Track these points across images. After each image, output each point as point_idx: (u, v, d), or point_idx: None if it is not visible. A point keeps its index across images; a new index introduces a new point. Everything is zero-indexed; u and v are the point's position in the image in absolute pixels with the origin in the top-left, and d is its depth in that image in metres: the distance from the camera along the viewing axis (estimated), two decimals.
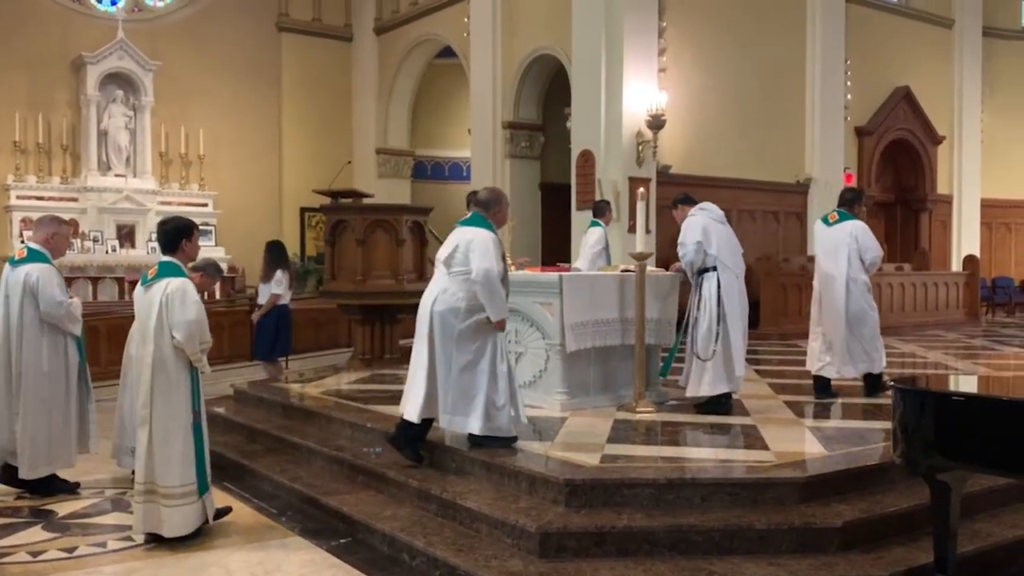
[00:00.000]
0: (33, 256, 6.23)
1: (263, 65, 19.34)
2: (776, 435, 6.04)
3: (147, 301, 5.27)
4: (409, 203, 17.27)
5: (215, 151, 18.48)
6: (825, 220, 7.68)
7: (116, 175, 17.41)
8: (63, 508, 5.96)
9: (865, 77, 17.03)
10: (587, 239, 9.82)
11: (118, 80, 17.51)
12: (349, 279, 9.86)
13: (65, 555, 5.03)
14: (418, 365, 5.74)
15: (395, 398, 7.72)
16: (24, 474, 6.14)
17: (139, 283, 5.55)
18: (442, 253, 5.81)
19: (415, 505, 5.49)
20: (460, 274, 5.67)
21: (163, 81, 17.77)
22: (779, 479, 5.01)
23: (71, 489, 6.33)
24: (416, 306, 10.48)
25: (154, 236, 16.68)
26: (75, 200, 17.07)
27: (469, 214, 5.97)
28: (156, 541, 5.19)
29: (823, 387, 7.54)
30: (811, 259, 14.43)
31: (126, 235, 17.27)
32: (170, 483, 5.11)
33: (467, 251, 5.63)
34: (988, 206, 19.42)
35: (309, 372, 10.26)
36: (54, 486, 6.27)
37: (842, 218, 7.51)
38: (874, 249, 7.37)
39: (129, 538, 5.31)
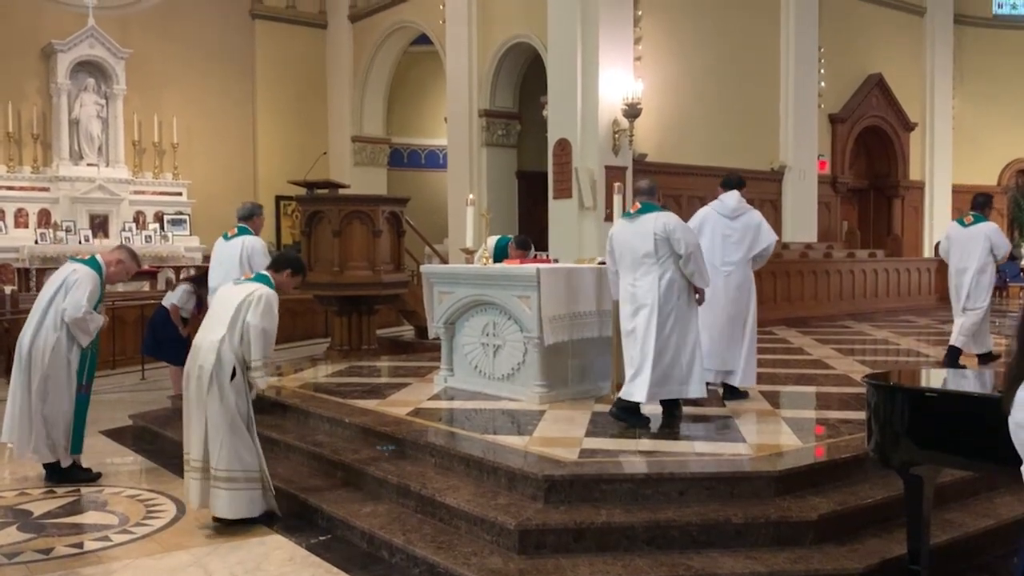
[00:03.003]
0: (90, 262, 6.54)
1: (237, 53, 19.15)
2: (752, 427, 6.10)
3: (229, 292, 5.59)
4: (386, 193, 17.24)
5: (188, 140, 18.31)
6: (961, 222, 9.05)
7: (88, 164, 17.22)
8: (38, 508, 5.92)
9: (838, 64, 17.12)
10: None
11: (89, 68, 17.29)
12: (326, 270, 9.87)
13: (41, 556, 4.99)
14: (642, 351, 6.01)
15: (373, 391, 7.77)
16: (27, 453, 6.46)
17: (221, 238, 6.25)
18: (642, 248, 6.03)
19: (394, 502, 5.48)
20: (669, 257, 5.99)
21: (135, 69, 17.56)
22: (755, 473, 5.05)
23: (92, 478, 6.58)
24: (392, 297, 10.67)
25: (127, 226, 16.89)
26: (47, 190, 16.89)
27: (639, 205, 6.19)
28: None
29: (954, 358, 8.82)
30: (786, 246, 14.59)
31: (99, 225, 17.09)
32: (217, 466, 5.34)
33: (667, 235, 5.96)
34: (959, 192, 19.58)
35: (286, 364, 10.21)
36: (75, 475, 6.55)
37: (977, 220, 8.86)
38: (1004, 246, 8.84)
39: (106, 538, 5.30)
